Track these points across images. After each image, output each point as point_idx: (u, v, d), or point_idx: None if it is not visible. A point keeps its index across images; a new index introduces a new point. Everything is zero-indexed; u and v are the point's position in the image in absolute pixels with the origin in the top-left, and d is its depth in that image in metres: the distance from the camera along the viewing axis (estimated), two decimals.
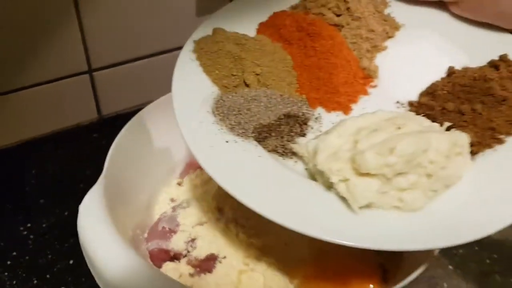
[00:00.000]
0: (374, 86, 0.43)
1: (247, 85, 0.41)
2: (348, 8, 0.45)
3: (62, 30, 0.58)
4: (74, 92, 0.64)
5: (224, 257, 0.42)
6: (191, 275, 0.43)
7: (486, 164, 0.36)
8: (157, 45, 0.66)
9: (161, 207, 0.49)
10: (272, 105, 0.39)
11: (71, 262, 0.51)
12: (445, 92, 0.41)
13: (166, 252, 0.43)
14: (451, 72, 0.42)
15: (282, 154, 0.38)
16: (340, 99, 0.41)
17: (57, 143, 0.64)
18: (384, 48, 0.45)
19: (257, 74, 0.41)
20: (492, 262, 0.56)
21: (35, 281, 0.49)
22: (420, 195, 0.34)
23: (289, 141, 0.38)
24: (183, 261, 0.44)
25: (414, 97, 0.42)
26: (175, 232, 0.44)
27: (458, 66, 0.43)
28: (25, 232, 0.53)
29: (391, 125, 0.36)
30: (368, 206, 0.34)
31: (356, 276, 0.41)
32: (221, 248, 0.43)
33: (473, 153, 0.37)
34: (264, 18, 0.47)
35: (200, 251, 0.43)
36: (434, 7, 0.48)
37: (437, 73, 0.43)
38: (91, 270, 0.35)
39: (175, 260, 0.44)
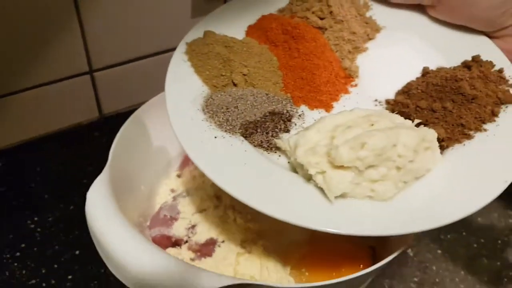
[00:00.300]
0: (355, 85, 0.46)
1: (235, 85, 0.43)
2: (331, 12, 0.48)
3: (64, 33, 0.60)
4: (75, 92, 0.66)
5: (223, 241, 0.45)
6: (192, 259, 0.45)
7: (455, 158, 0.39)
8: (155, 45, 0.68)
9: (161, 197, 0.51)
10: (258, 103, 0.42)
11: (77, 252, 0.53)
12: (419, 91, 0.43)
13: (168, 238, 0.46)
14: (425, 72, 0.45)
15: (267, 149, 0.40)
16: (322, 97, 0.44)
17: (60, 141, 0.66)
18: (365, 50, 0.48)
19: (244, 75, 0.43)
20: (480, 246, 0.58)
21: (44, 271, 0.51)
22: (390, 186, 0.37)
23: (273, 136, 0.40)
24: (184, 246, 0.46)
25: (391, 95, 0.45)
26: (176, 219, 0.47)
27: (434, 67, 0.45)
28: (32, 226, 0.55)
29: (365, 122, 0.38)
30: (343, 196, 0.36)
31: (347, 257, 0.43)
32: (219, 233, 0.45)
33: (443, 148, 0.40)
34: (253, 20, 0.49)
35: (200, 236, 0.45)
36: (413, 10, 0.50)
37: (414, 74, 0.46)
38: (100, 253, 0.37)
39: (177, 246, 0.46)
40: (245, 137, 0.40)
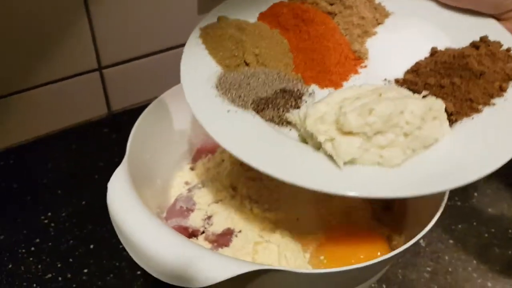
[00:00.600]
0: (364, 67, 0.46)
1: (247, 64, 0.44)
2: None
3: (73, 30, 0.60)
4: (85, 89, 0.66)
5: (240, 231, 0.45)
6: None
7: (464, 129, 0.40)
8: (163, 42, 0.68)
9: (176, 190, 0.51)
10: (270, 81, 0.43)
11: (91, 246, 0.53)
12: (428, 69, 0.44)
13: (185, 229, 0.46)
14: (434, 52, 0.46)
15: (278, 123, 0.41)
16: (332, 77, 0.45)
17: (70, 138, 0.67)
18: (374, 33, 0.49)
19: (256, 55, 0.44)
20: (491, 236, 0.59)
21: (59, 265, 0.51)
22: (398, 152, 0.37)
23: (284, 112, 0.41)
24: (201, 237, 0.46)
25: (400, 75, 0.45)
26: (192, 210, 0.47)
27: (442, 48, 0.46)
28: (46, 221, 0.56)
29: (373, 94, 0.39)
30: (352, 162, 0.37)
31: (365, 244, 0.43)
32: (236, 223, 0.45)
33: (452, 121, 0.41)
34: (264, 8, 0.50)
35: (217, 227, 0.45)
36: None
37: (423, 55, 0.46)
38: (122, 241, 0.37)
39: (193, 237, 0.46)
40: (257, 112, 0.41)
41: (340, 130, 0.37)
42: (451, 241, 0.58)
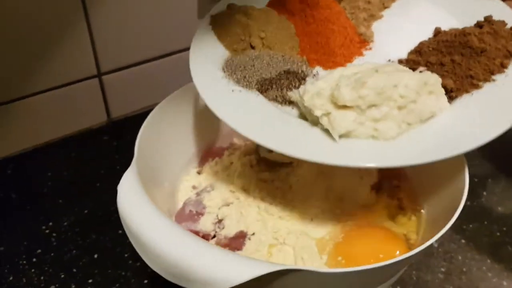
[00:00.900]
0: (369, 49, 0.47)
1: (253, 47, 0.45)
2: None
3: (72, 36, 0.59)
4: (84, 96, 0.65)
5: (253, 234, 0.44)
6: None
7: (463, 104, 0.40)
8: (163, 48, 0.67)
9: (183, 194, 0.50)
10: (274, 63, 0.44)
11: (95, 256, 0.51)
12: (430, 49, 0.44)
13: (196, 233, 0.44)
14: (437, 32, 0.46)
15: (281, 103, 0.42)
16: (337, 59, 0.46)
17: (70, 146, 0.65)
18: (381, 17, 0.49)
19: (262, 38, 0.45)
20: (503, 235, 0.58)
21: (62, 276, 0.49)
22: (393, 125, 0.38)
23: (287, 92, 0.42)
24: (212, 242, 0.45)
25: (404, 56, 0.46)
26: (202, 214, 0.45)
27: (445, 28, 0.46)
28: (47, 231, 0.54)
29: (371, 70, 0.40)
30: (347, 135, 0.38)
31: (383, 244, 0.43)
32: (249, 225, 0.44)
33: (452, 98, 0.41)
34: None
35: (229, 230, 0.44)
36: None
37: (427, 37, 0.47)
38: (133, 243, 0.35)
39: None
40: (261, 92, 0.42)
41: (335, 104, 0.38)
42: (463, 241, 0.57)
